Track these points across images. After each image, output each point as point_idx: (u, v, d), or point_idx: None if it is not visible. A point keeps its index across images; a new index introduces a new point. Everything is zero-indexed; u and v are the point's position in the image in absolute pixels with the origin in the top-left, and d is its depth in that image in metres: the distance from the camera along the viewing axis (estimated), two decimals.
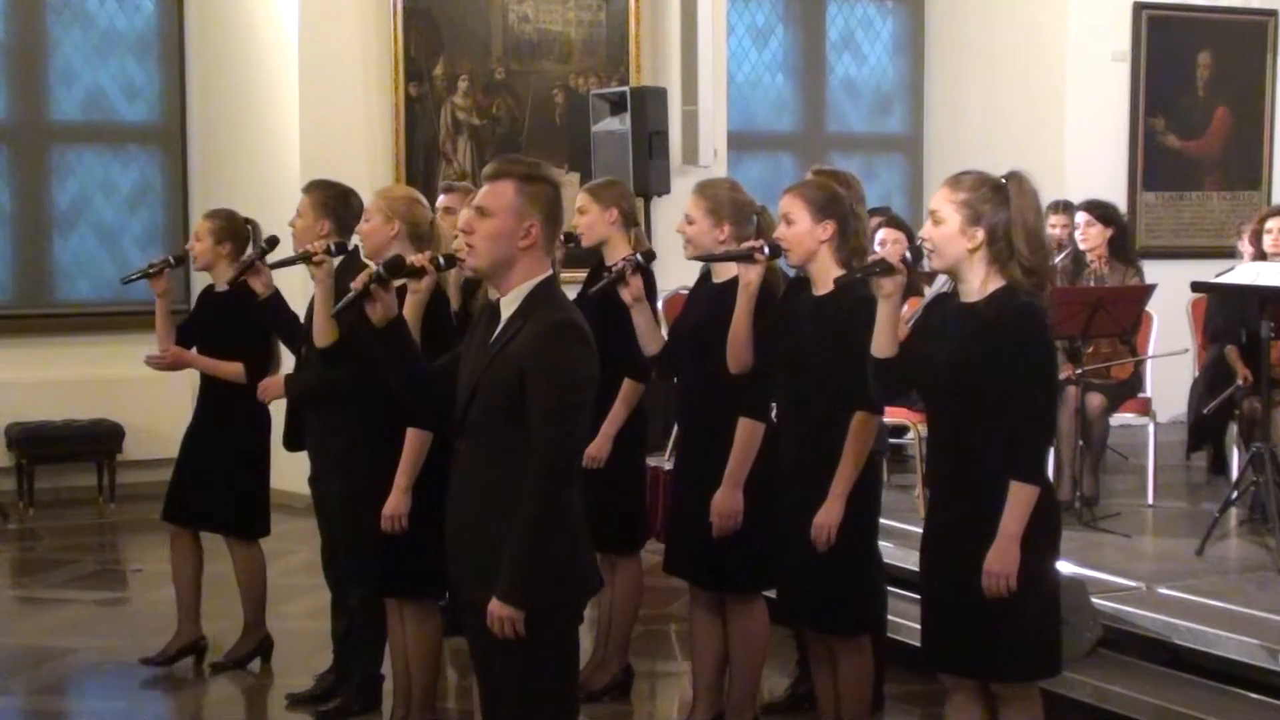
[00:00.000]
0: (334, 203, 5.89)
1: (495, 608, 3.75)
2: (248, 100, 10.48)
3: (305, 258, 5.59)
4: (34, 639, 7.27)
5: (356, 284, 4.13)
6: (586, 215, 5.97)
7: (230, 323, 6.36)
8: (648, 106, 10.01)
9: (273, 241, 6.23)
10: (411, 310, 5.01)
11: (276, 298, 6.12)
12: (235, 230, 6.51)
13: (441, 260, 5.00)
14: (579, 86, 10.52)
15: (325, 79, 10.03)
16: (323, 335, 5.56)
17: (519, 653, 3.79)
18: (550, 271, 3.94)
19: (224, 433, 6.45)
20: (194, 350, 6.50)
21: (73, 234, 10.67)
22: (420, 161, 10.26)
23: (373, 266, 4.39)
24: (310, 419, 5.99)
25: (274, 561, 8.64)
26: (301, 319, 6.11)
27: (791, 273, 5.27)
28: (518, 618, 3.74)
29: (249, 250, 6.37)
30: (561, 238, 4.67)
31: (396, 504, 5.13)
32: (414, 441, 5.14)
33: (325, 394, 5.67)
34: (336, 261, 5.66)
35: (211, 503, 6.51)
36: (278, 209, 9.65)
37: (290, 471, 9.38)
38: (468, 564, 3.93)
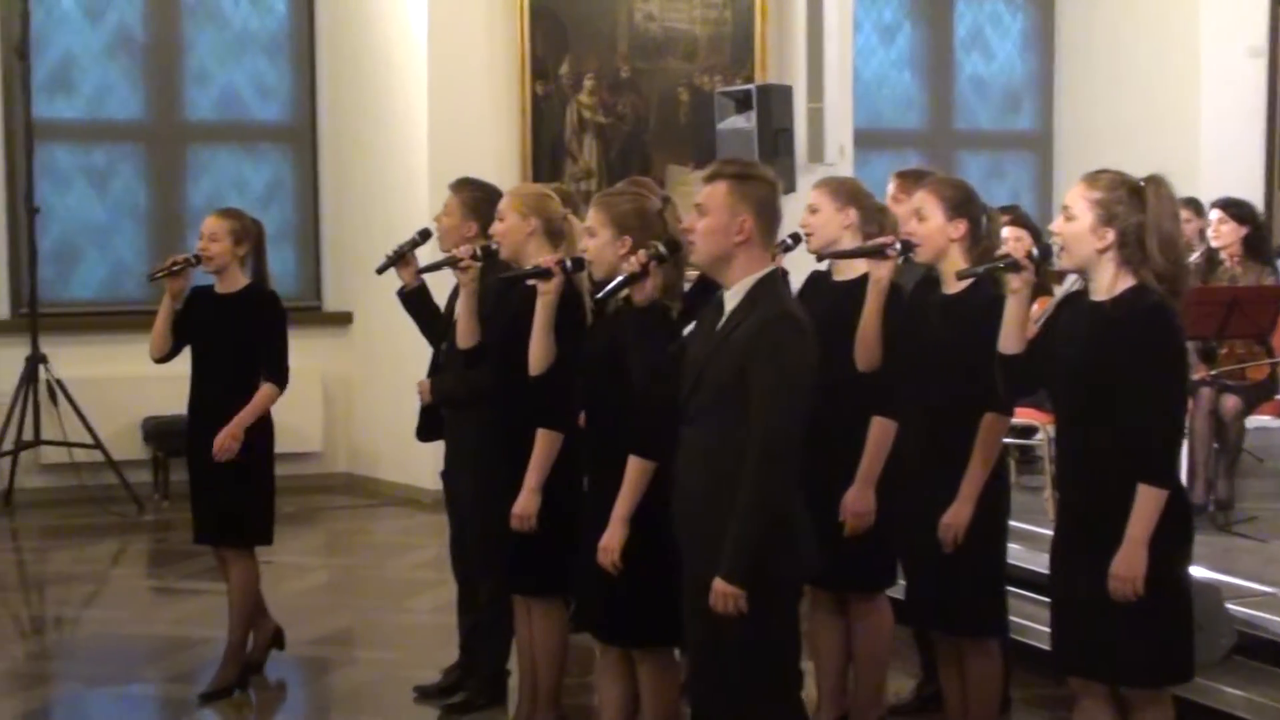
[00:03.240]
0: (482, 204, 5.84)
1: (719, 585, 3.95)
2: (377, 99, 10.59)
3: (453, 262, 5.60)
4: (167, 628, 7.41)
5: (634, 262, 4.34)
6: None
7: (251, 327, 6.25)
8: (773, 104, 9.97)
9: (425, 234, 6.18)
10: (542, 313, 5.05)
11: (423, 290, 6.12)
12: (250, 231, 6.34)
13: (569, 263, 5.04)
14: (704, 84, 10.51)
15: (453, 78, 10.10)
16: (466, 337, 5.60)
17: (741, 630, 3.97)
18: (772, 266, 4.13)
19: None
20: (201, 353, 6.37)
21: None
22: (546, 160, 10.29)
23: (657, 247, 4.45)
24: (447, 414, 6.02)
25: (401, 555, 8.81)
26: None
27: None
28: (740, 595, 3.94)
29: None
30: (789, 239, 4.64)
31: (527, 504, 5.14)
32: (545, 441, 5.14)
33: (468, 396, 5.70)
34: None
35: (219, 516, 6.32)
36: (406, 206, 9.95)
37: (417, 465, 9.59)
38: (693, 544, 4.13)
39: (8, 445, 9.83)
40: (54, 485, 10.12)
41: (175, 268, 6.27)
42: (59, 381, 9.89)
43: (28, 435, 9.88)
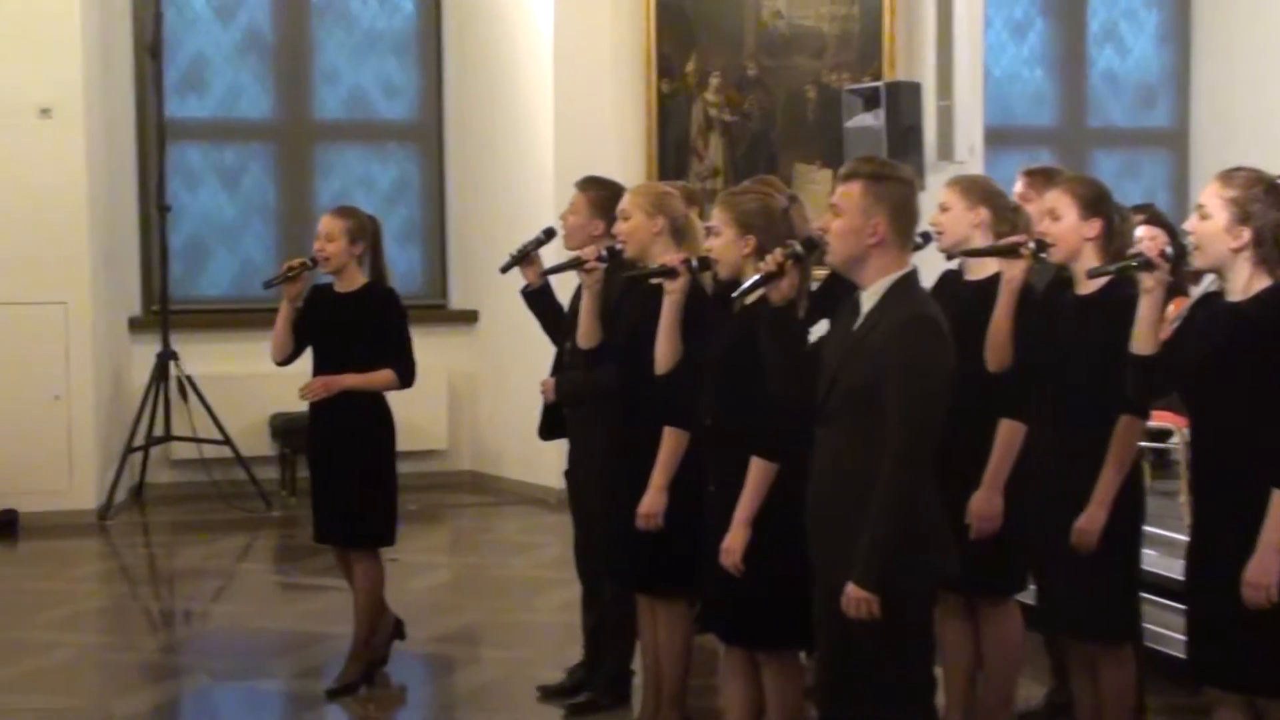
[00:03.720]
0: (609, 202, 5.78)
1: (851, 590, 3.94)
2: (503, 97, 10.63)
3: (578, 264, 5.62)
4: (294, 624, 7.49)
5: (770, 261, 4.31)
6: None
7: (373, 324, 6.26)
8: (902, 102, 9.90)
9: (549, 233, 6.18)
10: (669, 312, 5.05)
11: (546, 288, 6.13)
12: (366, 229, 6.33)
13: (694, 261, 5.04)
14: (832, 82, 10.44)
15: (579, 76, 10.11)
16: (589, 337, 5.62)
17: (873, 635, 3.96)
18: (910, 267, 4.10)
19: (353, 440, 6.31)
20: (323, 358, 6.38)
21: None
22: (671, 158, 10.28)
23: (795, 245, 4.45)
24: (571, 412, 6.03)
25: (524, 555, 8.84)
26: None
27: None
28: (873, 601, 3.92)
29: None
30: (918, 238, 4.62)
31: (653, 503, 5.14)
32: (672, 440, 5.14)
33: (591, 395, 5.70)
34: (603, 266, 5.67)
35: (343, 517, 6.33)
36: (532, 204, 9.98)
37: (541, 464, 9.61)
38: (826, 548, 4.13)
39: (139, 440, 10.00)
40: (183, 480, 10.28)
41: (291, 273, 6.30)
42: (189, 378, 10.04)
43: (158, 431, 10.04)
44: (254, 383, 9.93)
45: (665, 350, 5.09)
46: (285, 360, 6.42)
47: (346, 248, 6.25)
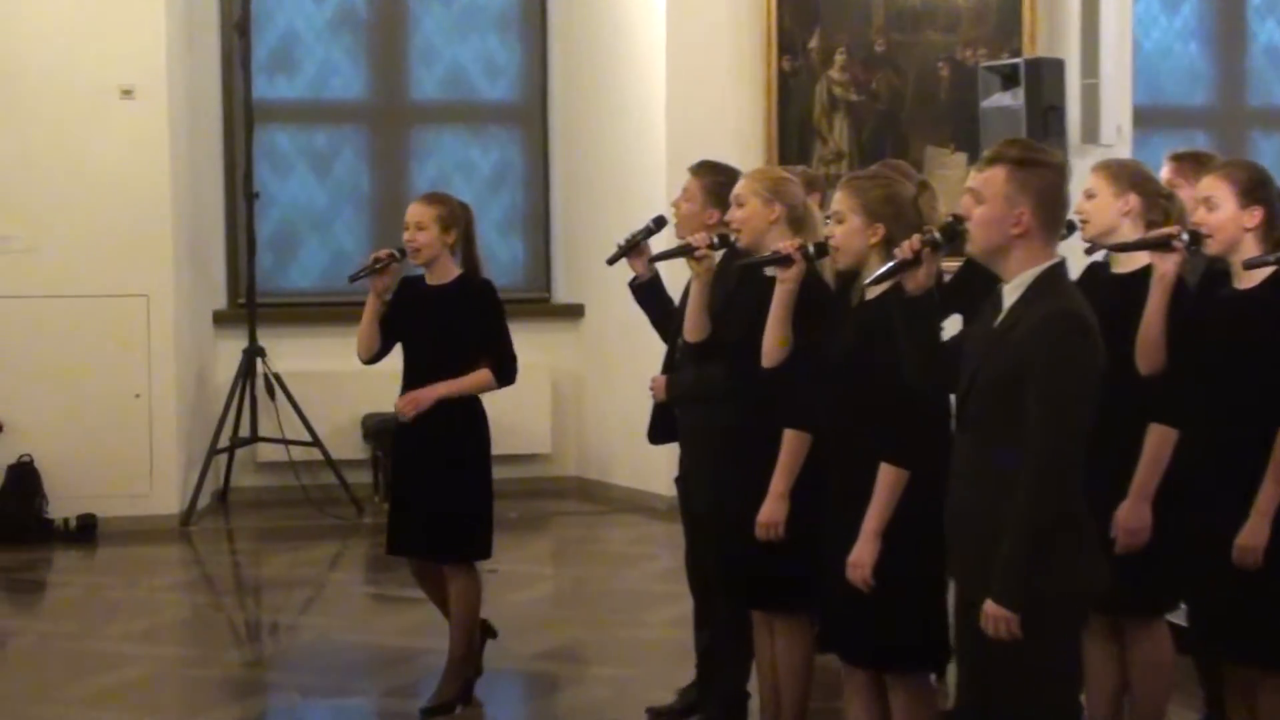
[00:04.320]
0: (725, 189, 5.73)
1: (990, 608, 3.91)
2: (612, 77, 10.66)
3: (687, 251, 5.63)
4: (387, 638, 7.54)
5: (906, 249, 4.27)
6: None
7: (468, 319, 6.28)
8: (1043, 79, 9.81)
9: (660, 222, 6.18)
10: (781, 302, 5.06)
11: (655, 281, 6.14)
12: (459, 216, 6.34)
13: (811, 248, 5.04)
14: (966, 59, 10.37)
15: (693, 54, 10.12)
16: (696, 330, 5.63)
17: (1014, 657, 3.93)
18: (1057, 258, 4.08)
19: (447, 443, 6.32)
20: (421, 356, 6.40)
21: None
22: (793, 141, 10.25)
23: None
24: (682, 414, 6.03)
25: (633, 566, 8.86)
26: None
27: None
28: (1012, 620, 3.89)
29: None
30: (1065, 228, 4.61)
31: (773, 510, 5.13)
32: (792, 443, 5.12)
33: (704, 393, 5.70)
34: (719, 256, 5.68)
35: (435, 527, 6.32)
36: (642, 191, 10.00)
37: (651, 469, 9.62)
38: (964, 561, 4.12)
39: (224, 442, 10.12)
40: (270, 484, 10.39)
41: (378, 265, 6.33)
42: (276, 375, 10.15)
43: (244, 431, 10.16)
44: (345, 380, 9.98)
45: (773, 342, 5.11)
46: (372, 358, 6.46)
47: (438, 237, 6.27)
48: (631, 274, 6.16)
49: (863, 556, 4.59)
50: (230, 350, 10.31)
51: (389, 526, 6.52)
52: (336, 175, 11.03)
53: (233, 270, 10.71)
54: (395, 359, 6.45)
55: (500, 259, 10.82)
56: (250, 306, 10.29)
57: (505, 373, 6.31)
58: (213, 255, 10.65)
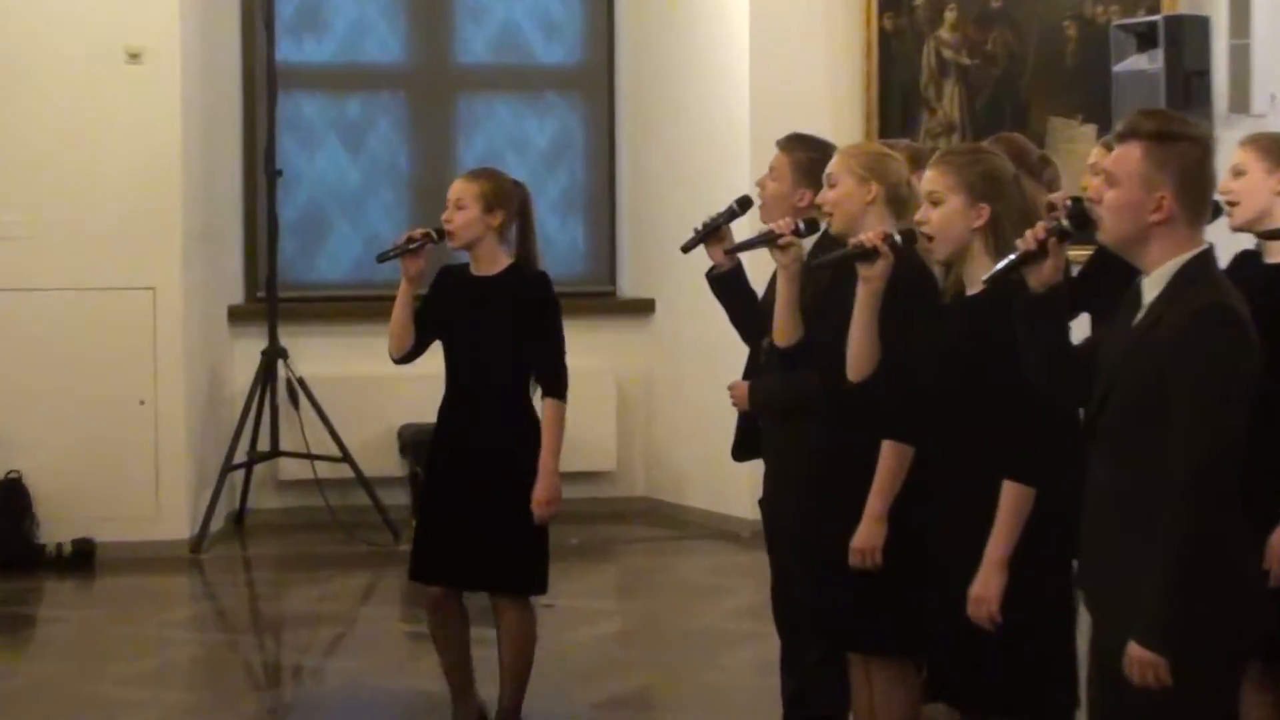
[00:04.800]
0: (818, 166, 5.71)
1: (1134, 651, 3.87)
2: (688, 37, 10.69)
3: (770, 239, 5.62)
4: (426, 682, 7.41)
5: (1029, 238, 4.26)
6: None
7: (518, 318, 6.28)
8: (1185, 40, 9.74)
9: (744, 203, 6.18)
10: (865, 304, 5.02)
11: (736, 272, 6.13)
12: (506, 194, 6.34)
13: (898, 237, 4.99)
14: (1096, 16, 10.30)
15: (782, 11, 10.17)
16: (786, 331, 5.62)
17: (1162, 708, 3.89)
18: (1203, 246, 4.05)
19: (495, 459, 6.32)
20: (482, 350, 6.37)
21: None
22: (896, 111, 10.25)
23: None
24: (768, 426, 6.04)
25: (711, 601, 8.85)
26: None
27: None
28: (1161, 665, 3.85)
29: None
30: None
31: (869, 536, 5.11)
32: (892, 458, 5.09)
33: (792, 404, 5.70)
34: (809, 243, 5.66)
35: (484, 554, 6.31)
36: (722, 168, 10.03)
37: (733, 490, 9.63)
38: (1103, 597, 4.10)
39: (240, 457, 10.18)
40: (294, 506, 10.47)
41: (412, 245, 6.36)
42: (301, 380, 10.20)
43: (263, 445, 10.23)
44: (380, 386, 10.04)
45: (859, 352, 5.10)
46: (405, 356, 6.49)
47: (480, 217, 6.27)
48: (710, 263, 6.16)
49: (988, 589, 4.57)
50: (248, 351, 10.38)
51: (417, 546, 6.51)
52: (371, 150, 11.10)
53: (251, 260, 10.79)
54: (435, 360, 6.45)
55: (557, 246, 10.87)
56: (271, 301, 10.33)
57: (558, 389, 6.33)
58: (228, 242, 10.73)
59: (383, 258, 6.48)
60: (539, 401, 6.37)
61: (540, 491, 6.21)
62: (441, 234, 6.34)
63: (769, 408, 5.98)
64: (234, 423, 10.18)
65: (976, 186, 4.74)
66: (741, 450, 6.29)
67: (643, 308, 11.08)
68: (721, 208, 6.18)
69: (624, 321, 11.02)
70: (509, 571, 6.36)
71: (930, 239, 4.80)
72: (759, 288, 6.15)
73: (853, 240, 5.14)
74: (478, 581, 6.43)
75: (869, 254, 5.02)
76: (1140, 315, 4.05)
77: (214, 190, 10.38)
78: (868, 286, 5.03)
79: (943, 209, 4.75)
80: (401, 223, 10.82)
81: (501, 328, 6.28)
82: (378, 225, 11.01)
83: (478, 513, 6.29)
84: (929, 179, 4.82)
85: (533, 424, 6.35)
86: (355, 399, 10.33)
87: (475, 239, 6.30)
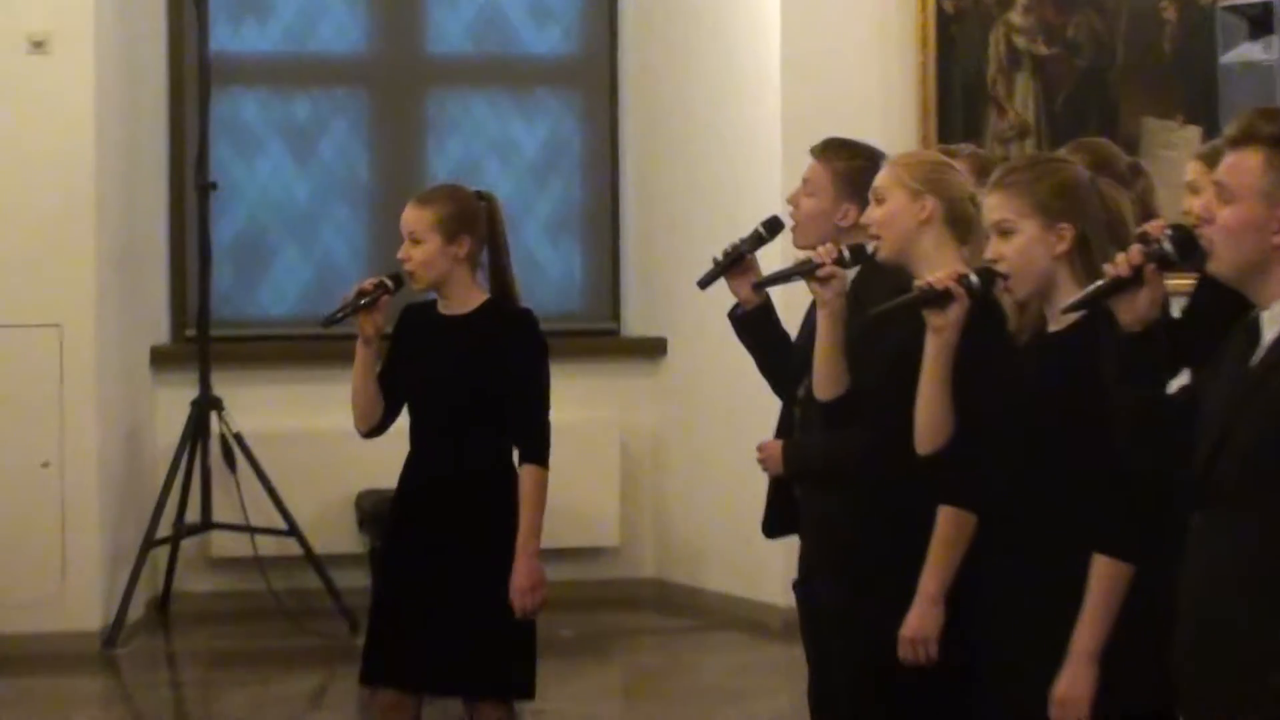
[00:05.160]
0: (863, 176, 5.75)
1: None
2: (707, 22, 10.75)
3: (808, 270, 5.58)
4: None
5: (1121, 263, 4.24)
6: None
7: (492, 366, 6.24)
8: None
9: (774, 226, 6.20)
10: (936, 359, 4.97)
11: (765, 310, 6.16)
12: (470, 215, 6.32)
13: (973, 278, 4.92)
14: None
15: None
16: (829, 381, 5.60)
17: None
18: None
19: (464, 534, 6.31)
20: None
21: None
22: (958, 111, 10.25)
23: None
24: (805, 495, 6.05)
25: (736, 705, 8.85)
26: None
27: None
28: None
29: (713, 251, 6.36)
30: None
31: (923, 620, 5.12)
32: (949, 526, 5.08)
33: (836, 467, 5.73)
34: (851, 275, 5.65)
35: (453, 651, 6.29)
36: (748, 180, 10.08)
37: (762, 570, 9.65)
38: (1214, 690, 4.09)
39: (164, 530, 10.13)
40: (229, 589, 10.46)
41: (364, 300, 6.30)
42: (239, 437, 10.19)
43: (193, 516, 10.21)
44: (335, 446, 9.91)
45: (931, 418, 5.06)
46: (375, 428, 6.48)
47: (441, 249, 6.24)
48: (734, 300, 6.20)
49: (1077, 688, 4.57)
50: (175, 403, 10.40)
51: (369, 643, 6.49)
52: (324, 158, 11.12)
53: (179, 291, 10.82)
54: (403, 414, 6.47)
55: (549, 274, 10.98)
56: (203, 341, 10.33)
57: (536, 451, 6.31)
58: (152, 270, 10.74)
59: (330, 321, 6.45)
60: None
61: (519, 577, 6.17)
62: (398, 279, 6.35)
63: (807, 473, 5.99)
64: (157, 489, 10.18)
65: (1051, 205, 4.74)
66: (773, 524, 6.30)
67: (652, 349, 11.10)
68: (746, 232, 6.20)
69: (629, 366, 11.04)
70: (485, 672, 6.33)
71: (1006, 278, 4.80)
72: (792, 328, 6.17)
73: (920, 282, 5.05)
74: (446, 685, 6.42)
75: (940, 298, 4.92)
76: (1261, 354, 4.07)
77: (134, 206, 10.39)
78: (939, 338, 4.94)
79: (1016, 240, 4.76)
80: (360, 247, 10.91)
81: (475, 378, 6.28)
82: (332, 249, 11.06)
83: (445, 599, 6.27)
84: (993, 206, 4.82)
85: (512, 490, 6.34)
86: (305, 460, 10.35)
87: (441, 277, 6.29)
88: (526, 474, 6.27)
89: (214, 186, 10.39)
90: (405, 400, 6.43)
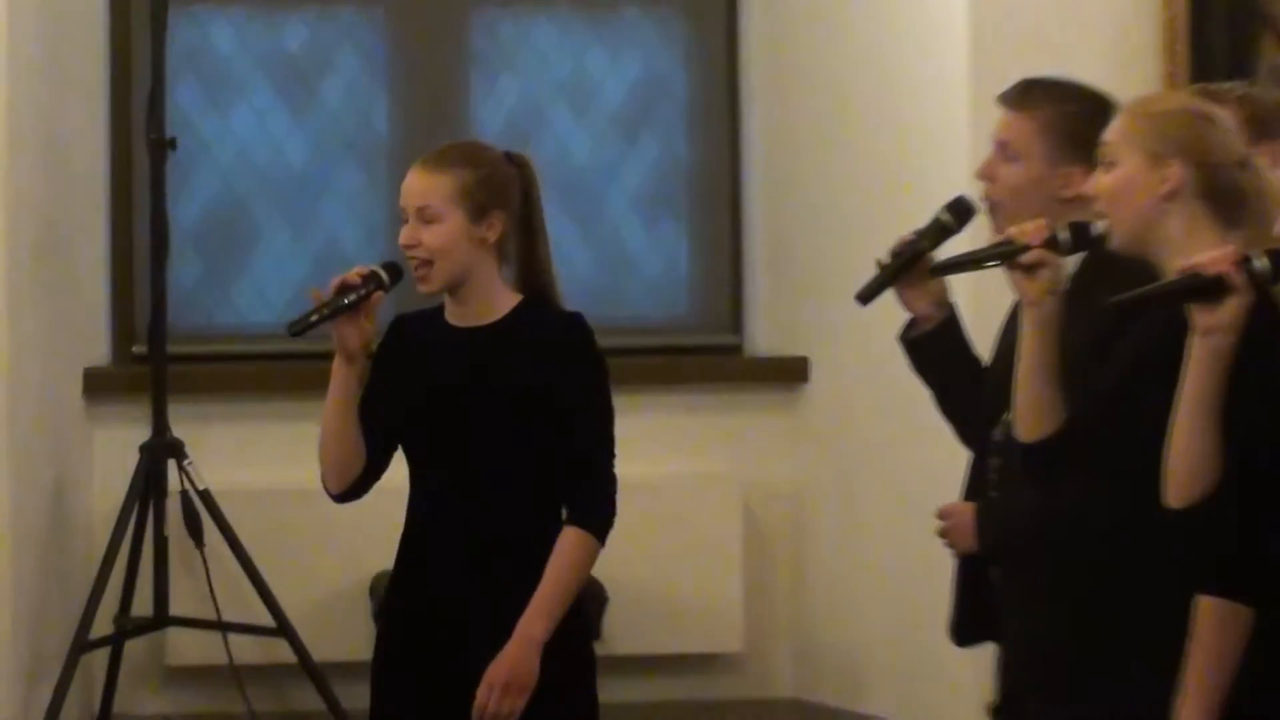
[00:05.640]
0: (1086, 127, 5.79)
1: None
2: None
3: (1006, 253, 5.58)
4: None
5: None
6: None
7: (534, 399, 6.25)
8: None
9: (962, 210, 6.27)
10: (1205, 370, 4.97)
11: (949, 327, 6.24)
12: (503, 183, 6.33)
13: (1260, 263, 4.93)
14: None
15: None
16: (1038, 416, 5.62)
17: None
18: None
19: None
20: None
21: None
22: (1218, 41, 10.23)
23: None
24: (1010, 583, 6.07)
25: None
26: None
27: None
28: None
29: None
30: None
31: None
32: (1216, 626, 5.09)
33: (1052, 539, 5.76)
34: (1069, 262, 5.67)
35: None
36: (925, 143, 10.14)
37: (941, 693, 9.76)
38: None
39: (103, 627, 10.17)
40: (192, 709, 10.55)
41: (348, 300, 6.30)
42: (207, 496, 10.21)
43: (142, 609, 10.26)
44: (341, 509, 9.82)
45: (1192, 456, 5.05)
46: (352, 486, 6.57)
47: (464, 233, 6.26)
48: (904, 313, 6.28)
49: None
50: (117, 447, 10.47)
51: None
52: (327, 105, 11.24)
53: (123, 291, 10.94)
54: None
55: (643, 268, 11.10)
56: (157, 362, 10.38)
57: (592, 516, 6.33)
58: (85, 262, 10.83)
59: (299, 328, 6.33)
60: None
61: (502, 666, 6.18)
62: (396, 270, 6.38)
63: (1010, 548, 6.03)
64: (93, 570, 10.19)
65: None
66: (964, 625, 6.36)
67: (788, 374, 11.12)
68: (923, 220, 6.26)
69: (756, 397, 11.04)
70: None
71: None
72: (985, 348, 6.26)
73: (1183, 264, 5.05)
74: None
75: (1212, 288, 4.92)
76: None
77: (59, 171, 10.45)
78: (1208, 344, 4.93)
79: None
80: (378, 226, 10.95)
81: (510, 414, 6.30)
82: (338, 231, 11.20)
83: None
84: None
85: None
86: (299, 529, 10.42)
87: (462, 272, 6.31)
88: (569, 537, 6.26)
89: (173, 144, 10.38)
90: (398, 447, 6.50)
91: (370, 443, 6.41)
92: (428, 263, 6.25)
